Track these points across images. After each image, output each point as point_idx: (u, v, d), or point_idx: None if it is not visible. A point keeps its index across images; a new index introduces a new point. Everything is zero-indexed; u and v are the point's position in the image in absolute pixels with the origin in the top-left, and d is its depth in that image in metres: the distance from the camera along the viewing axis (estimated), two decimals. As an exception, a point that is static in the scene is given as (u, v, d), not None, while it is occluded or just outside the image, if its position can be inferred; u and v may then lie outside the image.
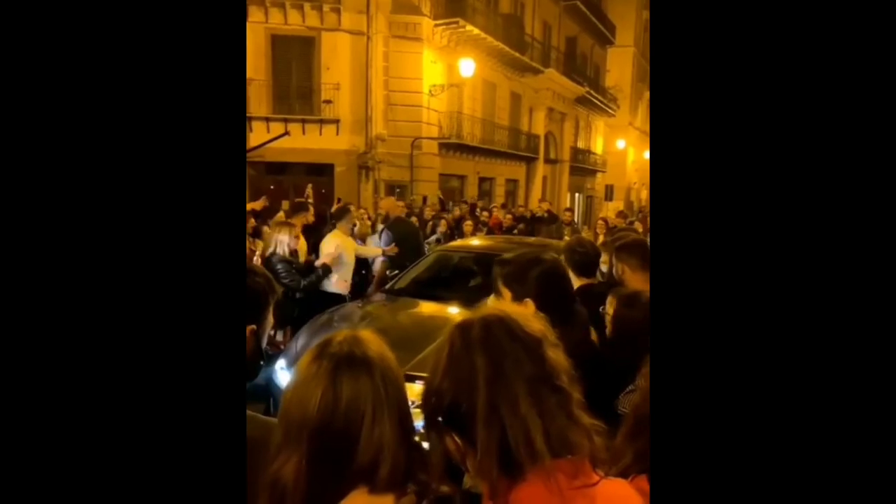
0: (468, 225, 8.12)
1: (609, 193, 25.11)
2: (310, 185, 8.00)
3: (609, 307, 1.87)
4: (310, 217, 5.58)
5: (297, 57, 13.04)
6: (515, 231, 8.52)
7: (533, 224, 8.99)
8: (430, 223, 8.45)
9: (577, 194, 26.19)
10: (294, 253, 4.47)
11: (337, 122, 13.19)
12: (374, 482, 0.86)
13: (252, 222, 5.68)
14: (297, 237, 4.43)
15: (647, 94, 28.25)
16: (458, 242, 6.29)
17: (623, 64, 28.92)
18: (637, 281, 2.28)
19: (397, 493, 0.86)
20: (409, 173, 14.47)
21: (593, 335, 1.94)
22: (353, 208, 5.96)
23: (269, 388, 3.73)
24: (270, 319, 1.29)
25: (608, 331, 1.84)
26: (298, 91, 13.15)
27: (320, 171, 13.11)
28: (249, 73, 12.02)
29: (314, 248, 5.40)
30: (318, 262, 4.70)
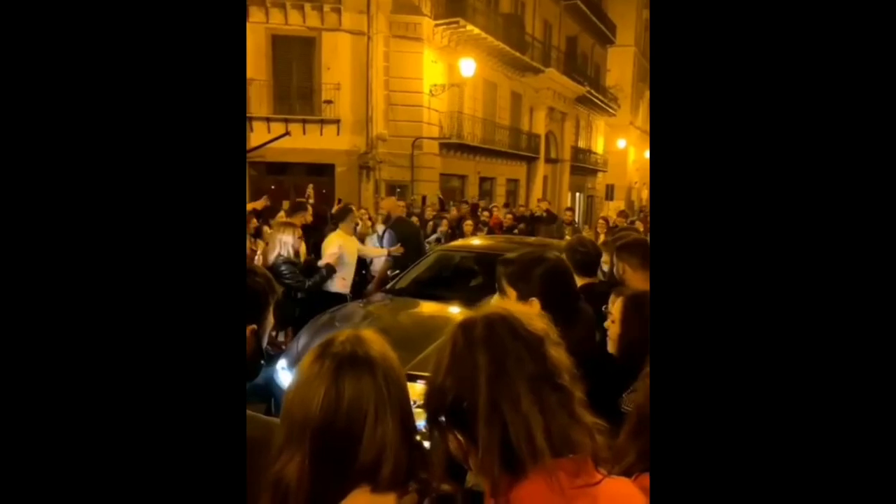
0: (468, 225, 8.12)
1: (610, 193, 25.10)
2: (310, 186, 8.00)
3: (612, 307, 1.85)
4: (308, 217, 5.58)
5: (297, 57, 13.04)
6: (516, 231, 8.52)
7: (532, 224, 8.99)
8: (431, 223, 8.45)
9: (577, 194, 26.19)
10: (297, 253, 4.47)
11: (337, 122, 13.19)
12: (376, 481, 0.86)
13: (254, 222, 5.68)
14: (300, 238, 4.43)
15: (647, 94, 28.22)
16: (458, 242, 6.29)
17: (624, 63, 28.91)
18: (638, 280, 2.28)
19: (399, 491, 0.87)
20: (409, 173, 14.47)
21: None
22: (353, 208, 5.97)
23: (271, 388, 3.73)
24: (271, 319, 1.29)
25: (616, 331, 1.83)
26: (299, 91, 13.15)
27: (321, 172, 13.11)
28: (250, 74, 12.03)
29: (314, 249, 5.40)
30: (321, 263, 4.70)
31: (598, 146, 28.30)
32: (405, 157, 14.29)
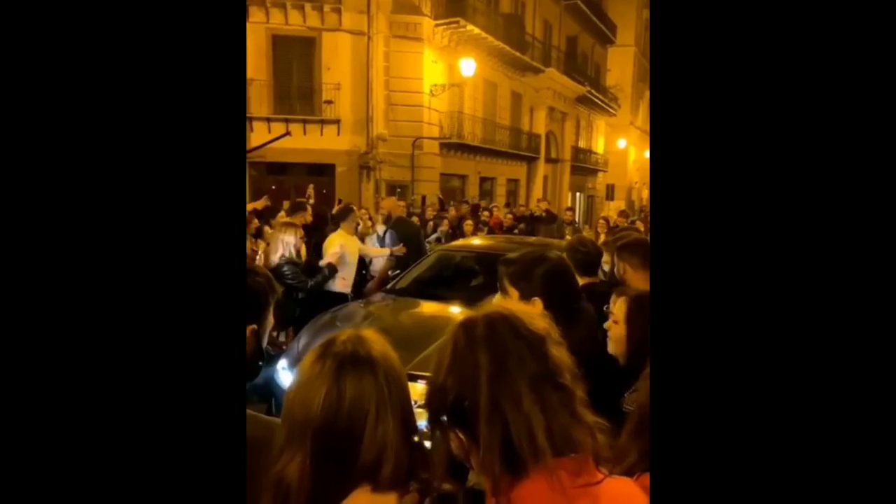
0: (468, 225, 8.12)
1: (610, 193, 25.07)
2: (311, 186, 8.00)
3: (615, 307, 1.83)
4: (308, 217, 5.58)
5: (298, 57, 13.04)
6: (516, 231, 8.52)
7: (532, 224, 8.99)
8: (431, 223, 8.46)
9: (578, 194, 26.18)
10: (298, 253, 4.47)
11: (338, 122, 13.19)
12: (377, 481, 0.86)
13: (255, 223, 5.69)
14: (302, 238, 4.43)
15: (648, 94, 28.21)
16: (459, 242, 6.29)
17: (624, 63, 28.90)
18: (639, 280, 2.28)
19: (400, 491, 0.87)
20: (410, 173, 14.47)
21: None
22: (354, 208, 5.97)
23: (271, 388, 3.73)
24: (271, 319, 1.29)
25: (619, 332, 1.82)
26: (299, 91, 13.16)
27: (321, 172, 13.12)
28: (250, 74, 12.03)
29: (315, 249, 5.40)
30: (323, 262, 4.70)
31: (599, 146, 28.29)
32: (405, 157, 14.29)
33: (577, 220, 13.02)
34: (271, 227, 5.75)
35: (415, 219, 8.16)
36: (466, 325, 0.88)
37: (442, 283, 5.05)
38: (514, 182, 20.38)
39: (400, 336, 3.48)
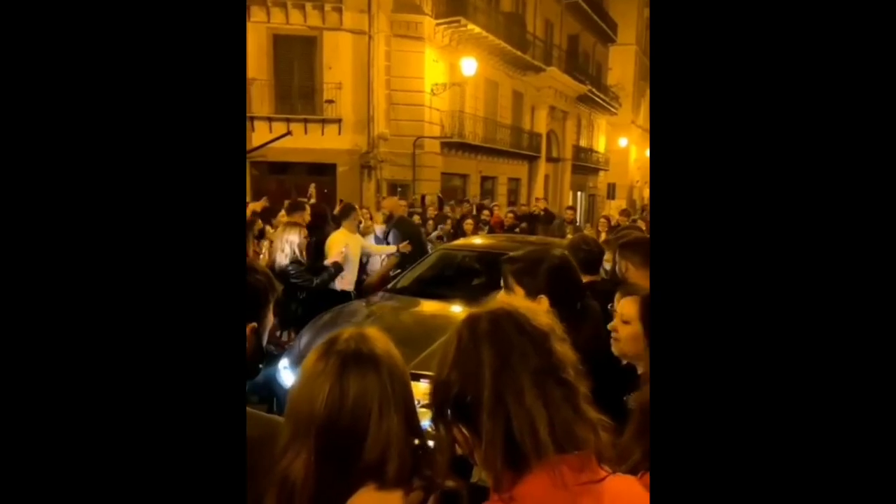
0: (468, 224, 8.12)
1: (611, 192, 25.04)
2: (313, 185, 8.00)
3: (622, 308, 1.78)
4: (306, 216, 5.58)
5: (299, 56, 13.04)
6: (517, 230, 8.51)
7: (531, 223, 8.98)
8: (431, 222, 8.46)
9: (579, 193, 26.16)
10: (302, 253, 4.47)
11: (339, 121, 13.19)
12: (382, 479, 0.87)
13: (259, 224, 5.69)
14: (305, 237, 4.43)
15: (649, 92, 28.12)
16: (461, 241, 6.29)
17: (625, 62, 28.86)
18: (640, 278, 2.28)
19: (405, 488, 0.87)
20: (411, 172, 14.46)
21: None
22: (356, 207, 5.97)
23: (272, 387, 3.73)
24: (271, 317, 1.29)
25: (630, 332, 1.80)
26: (300, 91, 13.16)
27: (323, 171, 13.12)
28: (251, 73, 12.04)
29: (316, 248, 5.40)
30: (328, 261, 4.71)
31: (600, 145, 28.26)
32: (407, 156, 14.29)
33: (578, 219, 13.00)
34: (273, 227, 5.75)
35: (416, 218, 8.17)
36: (470, 321, 0.89)
37: (443, 282, 5.05)
38: (515, 181, 20.37)
39: (401, 335, 3.47)
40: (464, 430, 0.84)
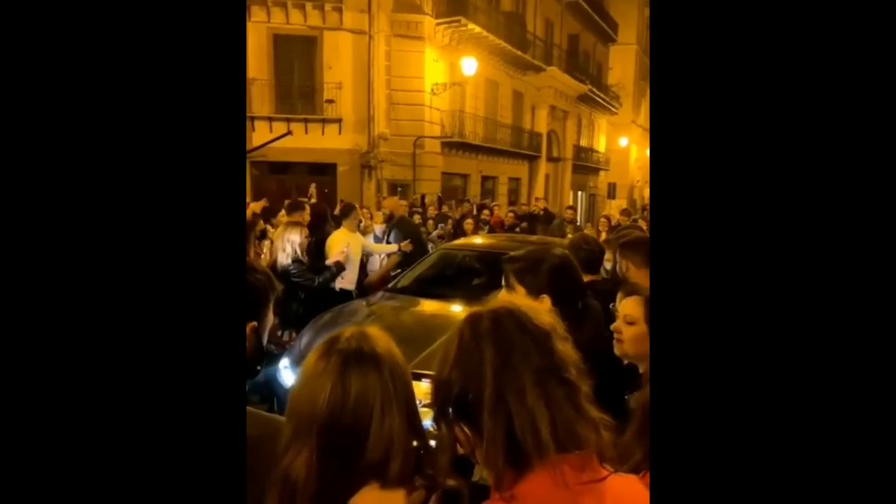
0: (468, 223, 8.12)
1: (612, 191, 25.03)
2: (313, 185, 8.01)
3: (627, 308, 1.76)
4: (305, 216, 5.59)
5: (299, 56, 13.04)
6: (518, 229, 8.51)
7: (531, 222, 8.98)
8: (431, 221, 8.47)
9: (579, 192, 26.15)
10: (303, 252, 4.47)
11: (339, 121, 13.19)
12: (385, 478, 0.87)
13: (261, 224, 5.70)
14: (307, 237, 4.44)
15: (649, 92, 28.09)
16: (461, 241, 6.29)
17: (625, 61, 28.85)
18: (641, 278, 2.28)
19: (407, 487, 0.87)
20: (411, 172, 14.47)
21: None
22: (356, 206, 5.98)
23: (273, 387, 3.74)
24: (271, 317, 1.29)
25: (637, 332, 1.79)
26: (301, 90, 13.16)
27: (323, 171, 13.12)
28: (252, 73, 12.04)
29: (314, 247, 5.40)
30: (330, 261, 4.71)
31: (601, 144, 28.26)
32: (407, 156, 14.29)
33: (578, 218, 13.00)
34: (273, 226, 5.75)
35: (416, 217, 8.17)
36: (472, 319, 0.89)
37: (444, 281, 5.04)
38: (515, 181, 20.37)
39: (402, 335, 3.45)
40: (465, 429, 0.84)
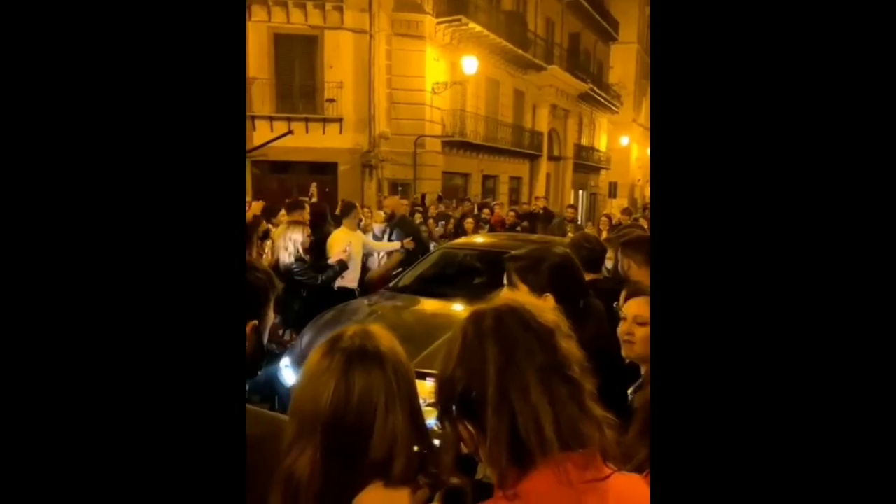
0: (469, 222, 8.11)
1: (613, 190, 25.00)
2: (314, 184, 8.01)
3: (635, 309, 1.73)
4: (305, 215, 5.59)
5: (300, 55, 13.04)
6: (519, 228, 8.50)
7: (530, 221, 8.98)
8: (431, 220, 8.46)
9: (580, 191, 26.13)
10: (305, 251, 4.48)
11: (340, 120, 13.19)
12: (389, 476, 0.87)
13: (264, 225, 5.70)
14: (309, 236, 4.44)
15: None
16: (462, 240, 6.29)
17: (626, 60, 28.81)
18: (643, 276, 2.28)
19: (412, 486, 0.87)
20: (412, 171, 14.46)
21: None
22: (357, 205, 5.99)
23: (274, 386, 3.74)
24: (272, 316, 1.29)
25: (646, 333, 1.79)
26: (301, 90, 13.16)
27: (324, 170, 13.12)
28: (253, 72, 12.04)
29: (315, 246, 5.40)
30: (332, 259, 4.71)
31: (601, 143, 28.23)
32: (408, 155, 14.28)
33: (578, 217, 12.98)
34: (274, 226, 5.76)
35: (418, 216, 8.17)
36: (475, 317, 0.88)
37: (445, 280, 5.05)
38: (516, 180, 20.36)
39: (403, 334, 3.46)
40: (469, 427, 0.84)
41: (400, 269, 5.62)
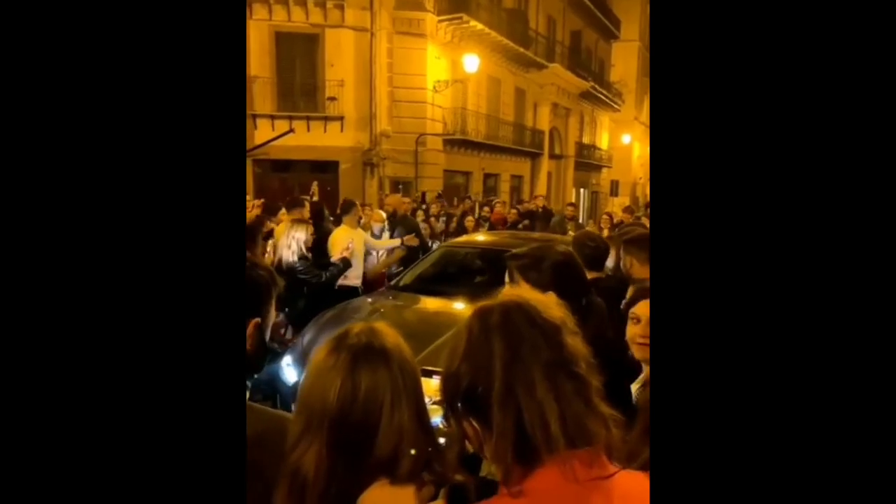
0: (469, 221, 8.11)
1: (614, 189, 24.97)
2: (315, 182, 8.01)
3: (643, 308, 1.71)
4: (305, 213, 5.59)
5: (301, 54, 13.04)
6: (520, 227, 8.50)
7: (530, 220, 8.97)
8: (433, 219, 8.47)
9: (582, 190, 26.11)
10: (308, 249, 4.48)
11: (341, 118, 13.19)
12: (394, 474, 0.87)
13: (268, 225, 5.71)
14: (311, 234, 4.44)
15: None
16: (463, 238, 6.29)
17: (628, 58, 28.77)
18: (645, 274, 2.28)
19: (417, 483, 0.87)
20: (413, 170, 14.46)
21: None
22: (357, 203, 6.00)
23: (276, 385, 3.74)
24: (273, 313, 1.29)
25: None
26: (303, 88, 13.16)
27: (325, 169, 13.12)
28: (254, 71, 12.06)
29: (315, 245, 5.41)
30: (336, 257, 4.72)
31: (603, 142, 28.19)
32: (409, 153, 14.28)
33: (579, 215, 12.98)
34: (275, 224, 5.76)
35: (420, 214, 8.17)
36: (481, 313, 0.88)
37: (446, 279, 5.05)
38: (517, 178, 20.34)
39: (405, 332, 3.46)
40: (474, 423, 0.83)
41: (401, 268, 5.62)
